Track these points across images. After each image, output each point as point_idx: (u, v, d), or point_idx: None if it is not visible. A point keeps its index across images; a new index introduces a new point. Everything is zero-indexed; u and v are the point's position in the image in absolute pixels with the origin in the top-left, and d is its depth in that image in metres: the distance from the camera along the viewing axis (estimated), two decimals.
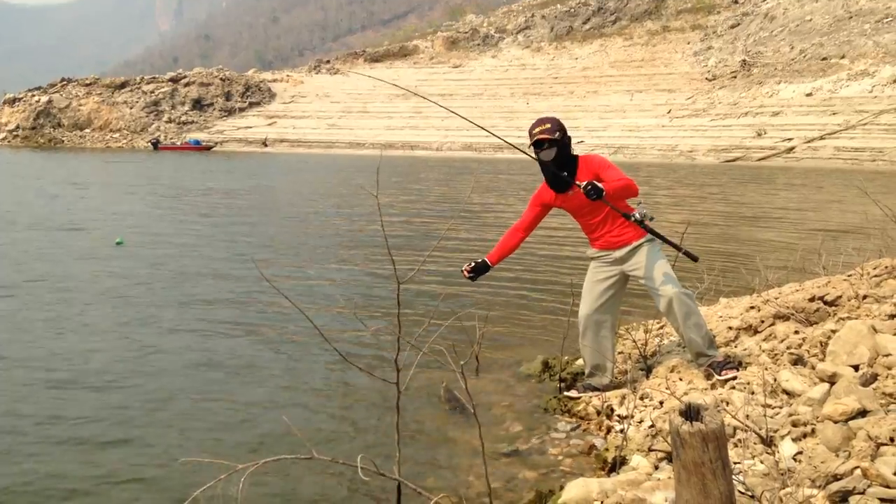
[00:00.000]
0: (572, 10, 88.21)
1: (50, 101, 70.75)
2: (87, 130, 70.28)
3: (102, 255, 10.44)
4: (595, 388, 4.65)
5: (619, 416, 4.24)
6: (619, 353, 5.42)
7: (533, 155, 4.42)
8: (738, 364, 4.32)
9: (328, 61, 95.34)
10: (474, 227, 14.17)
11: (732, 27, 72.52)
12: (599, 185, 3.98)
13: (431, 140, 63.47)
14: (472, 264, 4.52)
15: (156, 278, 8.86)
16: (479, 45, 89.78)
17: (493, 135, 4.75)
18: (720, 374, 4.19)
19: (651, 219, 4.30)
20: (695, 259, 4.28)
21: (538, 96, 70.36)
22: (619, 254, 4.46)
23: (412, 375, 3.84)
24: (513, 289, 8.36)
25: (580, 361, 5.09)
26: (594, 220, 4.46)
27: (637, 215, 4.19)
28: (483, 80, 77.68)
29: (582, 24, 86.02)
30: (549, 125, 4.31)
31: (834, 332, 4.06)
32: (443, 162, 47.49)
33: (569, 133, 4.39)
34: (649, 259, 4.37)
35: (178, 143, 65.46)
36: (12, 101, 71.98)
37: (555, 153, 4.28)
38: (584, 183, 4.00)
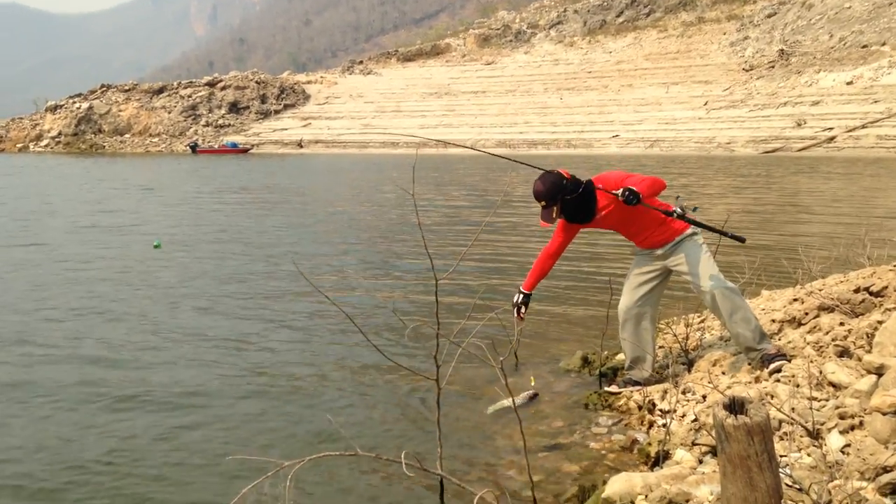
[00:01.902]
0: (605, 3, 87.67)
1: (90, 108, 72.23)
2: (127, 135, 71.60)
3: (148, 257, 10.63)
4: (636, 383, 4.63)
5: (661, 410, 4.21)
6: (660, 347, 5.38)
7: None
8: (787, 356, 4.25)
9: (361, 62, 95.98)
10: (512, 220, 14.14)
11: (769, 16, 71.41)
12: (635, 189, 3.99)
13: (465, 138, 63.46)
14: (521, 308, 4.58)
15: (197, 276, 9.00)
16: (511, 41, 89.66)
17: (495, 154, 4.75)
18: (769, 367, 4.13)
19: (694, 209, 4.30)
20: (742, 240, 4.30)
21: (572, 91, 70.00)
22: (661, 251, 4.47)
23: (452, 371, 3.86)
24: (551, 283, 8.33)
25: (620, 356, 5.07)
26: (632, 229, 4.49)
27: (678, 210, 4.19)
28: (516, 77, 77.49)
29: (615, 18, 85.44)
30: (541, 195, 4.26)
31: (880, 323, 3.99)
32: (477, 159, 47.44)
33: (568, 183, 4.25)
34: (691, 254, 4.35)
35: (216, 147, 66.33)
36: (54, 109, 73.63)
37: (556, 211, 4.27)
38: (621, 190, 4.02)
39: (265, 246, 11.84)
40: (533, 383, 4.72)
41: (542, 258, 4.60)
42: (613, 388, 4.72)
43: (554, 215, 4.27)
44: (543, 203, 4.25)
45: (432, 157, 52.45)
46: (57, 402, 4.90)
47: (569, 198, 4.24)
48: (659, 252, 4.47)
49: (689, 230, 4.38)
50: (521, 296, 4.59)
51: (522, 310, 4.58)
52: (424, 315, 6.92)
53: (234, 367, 5.60)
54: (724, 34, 73.29)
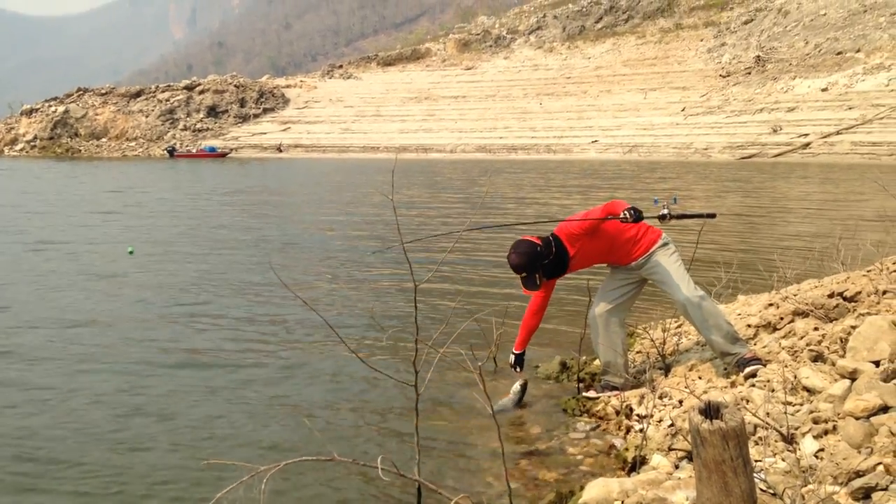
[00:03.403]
0: (584, 9, 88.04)
1: (67, 111, 71.37)
2: (104, 139, 70.80)
3: (122, 264, 10.53)
4: (614, 388, 4.65)
5: (638, 415, 4.22)
6: (638, 352, 5.41)
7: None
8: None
9: (341, 66, 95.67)
10: (489, 227, 14.14)
11: (746, 23, 72.12)
12: (636, 212, 4.12)
13: (445, 143, 63.46)
14: (517, 368, 4.74)
15: (169, 283, 8.92)
16: (491, 46, 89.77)
17: None
18: (743, 371, 4.16)
19: (675, 200, 4.40)
20: (713, 216, 4.55)
21: (551, 96, 70.22)
22: (635, 263, 4.56)
23: (430, 377, 3.85)
24: None
25: (598, 362, 5.09)
26: (611, 255, 4.58)
27: (666, 212, 4.30)
28: (496, 82, 77.60)
29: (594, 24, 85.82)
30: (521, 268, 4.30)
31: (854, 328, 4.03)
32: (459, 163, 47.48)
33: (542, 248, 4.32)
34: (663, 265, 4.46)
35: (194, 151, 65.81)
36: (30, 112, 72.70)
37: (539, 278, 4.35)
38: (623, 213, 4.12)
39: (242, 251, 11.77)
40: (519, 370, 4.80)
41: (528, 317, 4.73)
42: (591, 394, 4.74)
43: (538, 282, 4.35)
44: (524, 274, 4.32)
45: (417, 161, 52.40)
46: (32, 399, 4.84)
47: (546, 262, 4.33)
48: (633, 264, 4.56)
49: (661, 241, 4.47)
50: (513, 357, 4.73)
51: (517, 370, 4.73)
52: (403, 320, 6.91)
53: (210, 371, 5.55)
54: (702, 41, 73.85)
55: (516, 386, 4.74)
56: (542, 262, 4.31)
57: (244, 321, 7.12)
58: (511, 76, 78.74)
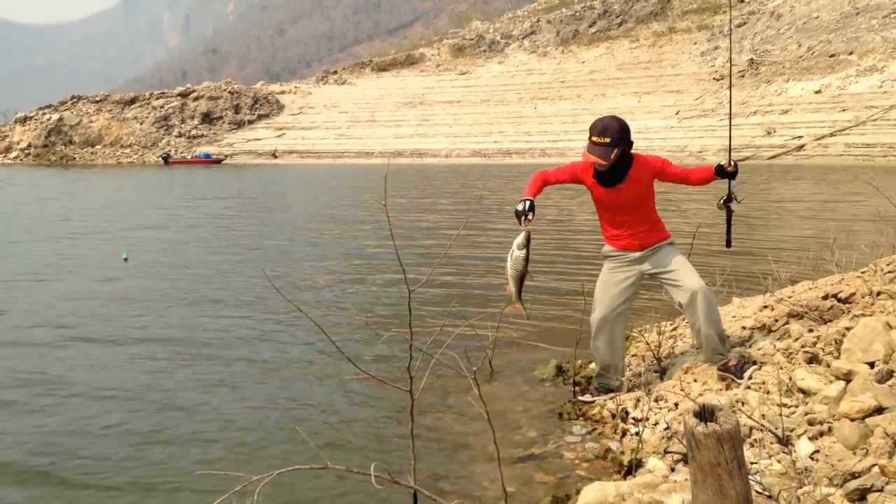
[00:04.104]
0: (578, 13, 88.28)
1: (61, 119, 71.29)
2: (98, 147, 70.71)
3: (117, 270, 10.50)
4: (609, 390, 4.63)
5: (633, 418, 4.22)
6: (633, 355, 5.40)
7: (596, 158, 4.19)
8: (753, 363, 4.29)
9: (335, 71, 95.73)
10: (484, 230, 14.15)
11: (739, 26, 72.32)
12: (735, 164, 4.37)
13: (440, 147, 63.48)
14: (529, 215, 4.11)
15: (164, 288, 8.90)
16: (485, 51, 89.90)
17: None
18: (741, 376, 4.14)
19: (740, 200, 4.61)
20: (728, 245, 4.74)
21: (546, 101, 70.32)
22: (639, 254, 4.43)
23: (425, 382, 3.84)
24: (525, 293, 8.32)
25: (594, 365, 5.08)
26: (624, 217, 4.41)
27: (731, 198, 4.47)
28: (490, 86, 77.69)
29: (588, 28, 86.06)
30: (611, 131, 4.11)
31: (848, 329, 4.03)
32: (454, 168, 47.48)
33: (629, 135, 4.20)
34: (675, 257, 4.38)
35: (189, 157, 65.73)
36: (24, 120, 72.59)
37: (616, 154, 4.13)
38: (718, 167, 4.39)
39: (238, 256, 11.74)
40: (531, 217, 4.14)
41: (541, 177, 4.40)
42: (587, 397, 4.72)
43: (612, 157, 4.11)
44: (608, 140, 4.08)
45: (412, 165, 52.38)
46: (29, 412, 4.82)
47: (627, 148, 4.20)
48: (636, 255, 4.43)
49: (670, 239, 4.46)
50: (528, 202, 4.15)
51: (530, 216, 4.13)
52: (398, 325, 6.89)
53: (201, 380, 5.53)
54: (695, 44, 74.04)
55: (520, 238, 4.19)
56: (628, 142, 4.16)
57: (236, 327, 7.10)
58: (505, 80, 78.84)
